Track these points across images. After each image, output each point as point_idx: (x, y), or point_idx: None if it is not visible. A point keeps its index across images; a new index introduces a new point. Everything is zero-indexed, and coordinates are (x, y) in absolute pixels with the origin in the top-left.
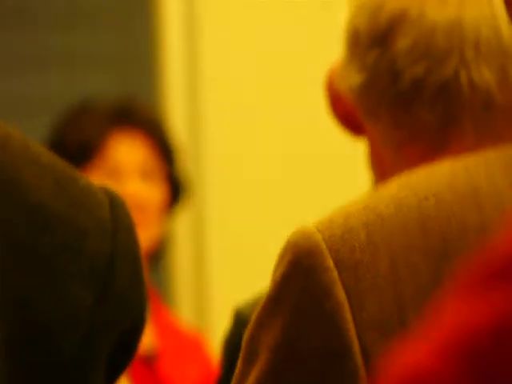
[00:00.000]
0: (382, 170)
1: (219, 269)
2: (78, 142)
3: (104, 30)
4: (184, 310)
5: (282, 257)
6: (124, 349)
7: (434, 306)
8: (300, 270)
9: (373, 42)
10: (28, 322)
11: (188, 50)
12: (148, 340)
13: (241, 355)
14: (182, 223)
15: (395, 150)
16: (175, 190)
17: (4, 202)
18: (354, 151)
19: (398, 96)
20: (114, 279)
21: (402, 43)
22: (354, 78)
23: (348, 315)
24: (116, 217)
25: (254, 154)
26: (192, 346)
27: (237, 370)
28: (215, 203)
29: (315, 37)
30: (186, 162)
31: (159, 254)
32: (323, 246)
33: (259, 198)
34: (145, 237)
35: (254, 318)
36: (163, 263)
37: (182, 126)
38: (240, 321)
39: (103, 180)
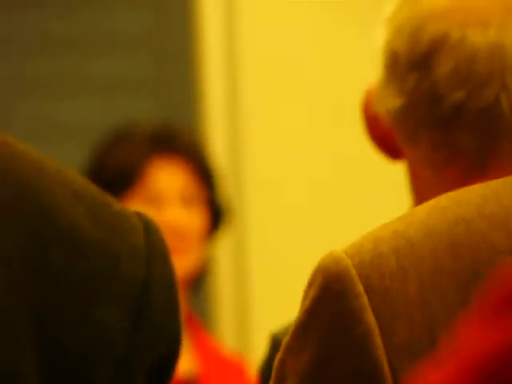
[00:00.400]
0: (422, 192)
1: (261, 294)
2: (118, 169)
3: (143, 55)
4: (226, 336)
5: (311, 281)
6: (159, 376)
7: (453, 331)
8: (330, 295)
9: (412, 66)
10: (62, 351)
11: (229, 74)
12: (189, 365)
13: (271, 381)
14: (224, 248)
15: (434, 172)
16: (216, 215)
17: (37, 227)
18: (394, 175)
19: (438, 120)
20: (148, 305)
21: (444, 68)
22: (392, 102)
23: (378, 341)
24: (150, 243)
25: (296, 178)
26: (234, 370)
27: None
28: (256, 228)
29: (358, 60)
30: (227, 187)
31: (200, 280)
32: (353, 271)
33: (300, 222)
34: (185, 264)
35: (284, 343)
36: (205, 289)
37: (222, 150)
38: (276, 345)
39: (143, 207)
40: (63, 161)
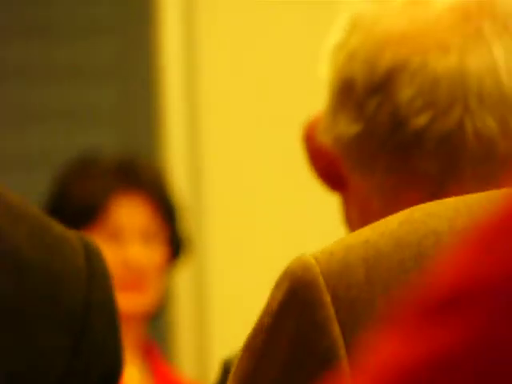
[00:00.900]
0: (365, 221)
1: (221, 325)
2: (81, 203)
3: (103, 83)
4: (186, 366)
5: (279, 284)
6: None
7: (371, 338)
8: (297, 303)
9: (371, 91)
10: (4, 373)
11: (190, 105)
12: None
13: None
14: (183, 279)
15: (388, 200)
16: (176, 248)
17: None
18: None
19: (398, 145)
20: (89, 329)
21: (405, 93)
22: (345, 129)
23: (343, 353)
24: (91, 264)
25: (258, 210)
26: None
27: None
28: (217, 258)
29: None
30: (188, 218)
31: (159, 311)
32: (321, 280)
33: (262, 255)
34: (144, 301)
35: (245, 344)
36: (164, 320)
37: (183, 181)
38: (227, 370)
39: (104, 242)
40: (23, 190)
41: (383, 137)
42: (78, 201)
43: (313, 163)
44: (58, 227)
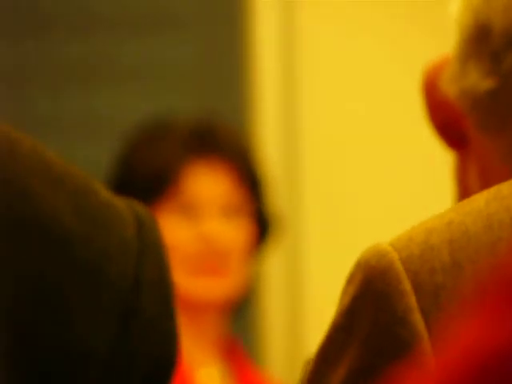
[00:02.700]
0: (485, 184)
1: (318, 319)
2: (149, 172)
3: (183, 38)
4: (276, 368)
5: (351, 278)
6: None
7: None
8: (372, 295)
9: (510, 46)
10: (37, 360)
11: (285, 63)
12: None
13: None
14: (275, 265)
15: None
16: (264, 228)
17: (12, 220)
18: None
19: None
20: (138, 311)
21: None
22: (477, 82)
23: (427, 347)
24: (143, 236)
25: (358, 183)
26: None
27: None
28: (314, 242)
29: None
30: (280, 195)
31: (245, 303)
32: (399, 266)
33: (362, 234)
34: (225, 287)
35: (318, 350)
36: (251, 313)
37: (275, 152)
38: None
39: (177, 218)
40: (87, 159)
41: None
42: (146, 171)
43: (432, 115)
44: (104, 193)
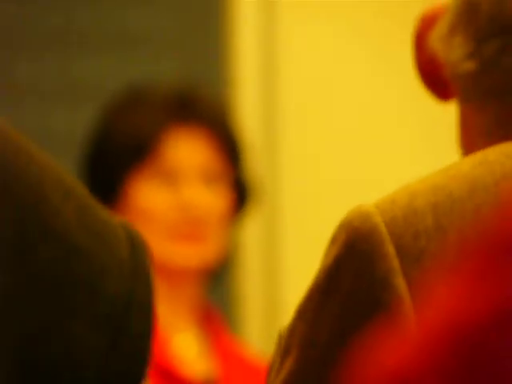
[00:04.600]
0: (468, 144)
1: (295, 287)
2: (128, 139)
3: (165, 8)
4: (253, 337)
5: (334, 238)
6: None
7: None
8: (354, 255)
9: (496, 29)
10: (30, 363)
11: (266, 28)
12: (206, 368)
13: (277, 352)
14: (252, 233)
15: (494, 137)
16: (242, 195)
17: (29, 226)
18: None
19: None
20: (128, 328)
21: None
22: (460, 60)
23: (409, 310)
24: (136, 257)
25: (336, 152)
26: (258, 375)
27: (273, 368)
28: (291, 209)
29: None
30: (258, 163)
31: (222, 271)
32: (383, 229)
33: (339, 201)
34: (203, 252)
35: (297, 309)
36: (228, 282)
37: (254, 119)
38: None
39: (156, 184)
40: (68, 127)
41: (497, 83)
42: (125, 137)
43: (420, 68)
44: (103, 212)
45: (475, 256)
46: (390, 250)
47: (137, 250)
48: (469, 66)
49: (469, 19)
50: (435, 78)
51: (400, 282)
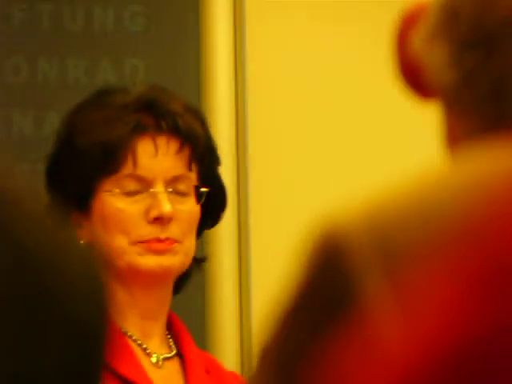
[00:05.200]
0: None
1: (262, 295)
2: (96, 148)
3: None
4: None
5: (305, 248)
6: None
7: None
8: (326, 254)
9: (476, 41)
10: (9, 375)
11: (234, 29)
12: (172, 372)
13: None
14: (221, 238)
15: (472, 142)
16: (213, 203)
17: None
18: None
19: (499, 117)
20: (97, 345)
21: None
22: (439, 68)
23: (384, 308)
24: (98, 277)
25: (305, 153)
26: (223, 379)
27: None
28: (260, 212)
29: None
30: (229, 167)
31: (188, 278)
32: (358, 227)
33: (311, 206)
34: (174, 260)
35: (270, 323)
36: (196, 290)
37: (225, 128)
38: None
39: (125, 194)
40: (43, 123)
41: (478, 95)
42: (91, 146)
43: (400, 64)
44: (72, 231)
45: (471, 263)
46: (365, 247)
47: (98, 270)
48: (450, 75)
49: (450, 26)
50: (416, 78)
51: (376, 280)
